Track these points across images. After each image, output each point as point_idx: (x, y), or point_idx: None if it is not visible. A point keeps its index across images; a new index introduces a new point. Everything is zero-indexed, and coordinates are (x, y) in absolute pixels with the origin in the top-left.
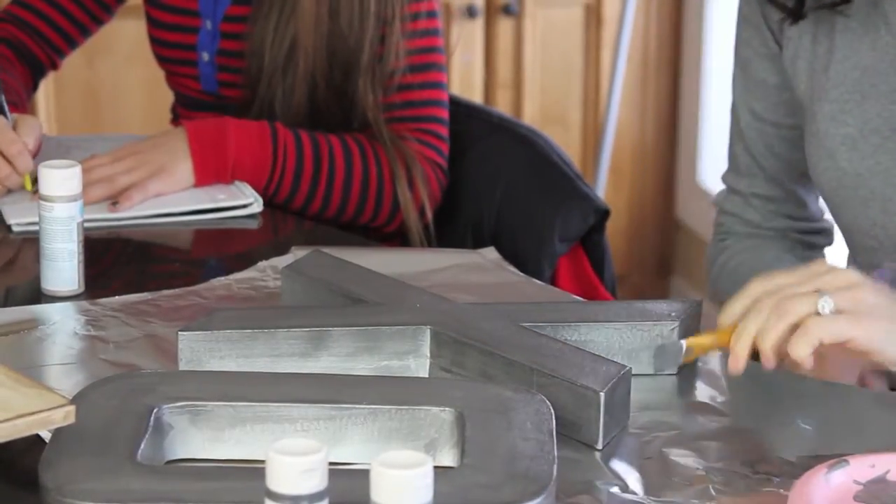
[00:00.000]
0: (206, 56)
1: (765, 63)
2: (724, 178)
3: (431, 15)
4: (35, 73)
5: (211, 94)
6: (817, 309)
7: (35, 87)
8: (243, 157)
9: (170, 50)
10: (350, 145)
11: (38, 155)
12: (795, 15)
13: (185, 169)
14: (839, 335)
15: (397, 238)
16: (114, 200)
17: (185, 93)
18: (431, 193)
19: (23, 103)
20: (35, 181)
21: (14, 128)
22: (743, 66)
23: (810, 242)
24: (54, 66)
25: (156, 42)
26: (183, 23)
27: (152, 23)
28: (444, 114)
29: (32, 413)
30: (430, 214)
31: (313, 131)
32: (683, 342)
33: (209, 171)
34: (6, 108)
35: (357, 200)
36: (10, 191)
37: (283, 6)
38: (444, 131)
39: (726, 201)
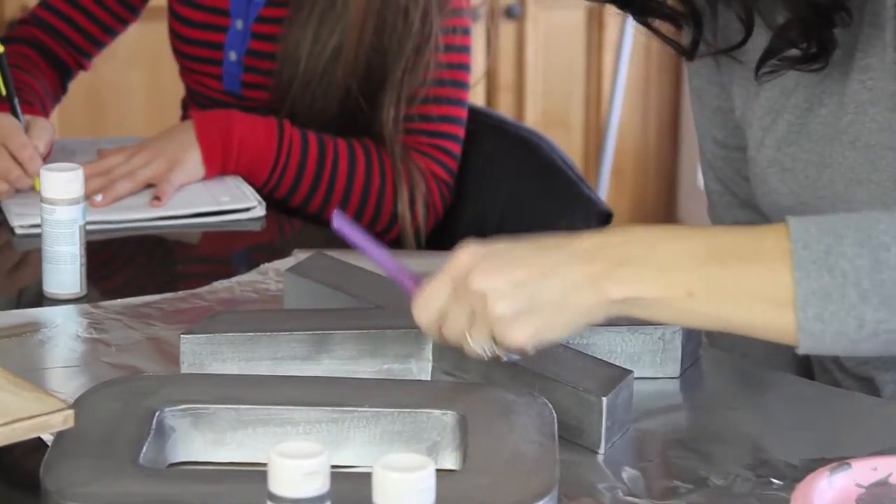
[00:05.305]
0: (233, 55)
1: (716, 90)
2: (708, 214)
3: (465, 32)
4: (62, 75)
5: (232, 94)
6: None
7: (64, 89)
8: (247, 146)
9: (194, 47)
10: (356, 151)
11: (48, 158)
12: (688, 56)
13: (195, 159)
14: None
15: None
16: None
17: (203, 91)
18: (433, 210)
19: (45, 105)
20: None
21: (26, 130)
22: (698, 96)
23: None
24: (82, 67)
25: (180, 38)
26: (211, 21)
27: (177, 19)
28: (460, 131)
29: (31, 417)
30: (424, 230)
31: (323, 133)
32: None
33: (216, 160)
34: (20, 110)
35: (356, 207)
36: (17, 191)
37: (325, 15)
38: (456, 149)
39: None
